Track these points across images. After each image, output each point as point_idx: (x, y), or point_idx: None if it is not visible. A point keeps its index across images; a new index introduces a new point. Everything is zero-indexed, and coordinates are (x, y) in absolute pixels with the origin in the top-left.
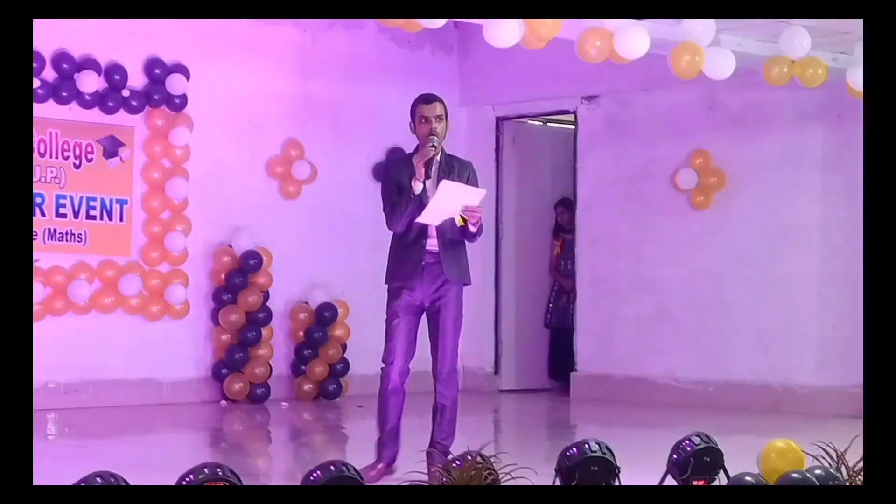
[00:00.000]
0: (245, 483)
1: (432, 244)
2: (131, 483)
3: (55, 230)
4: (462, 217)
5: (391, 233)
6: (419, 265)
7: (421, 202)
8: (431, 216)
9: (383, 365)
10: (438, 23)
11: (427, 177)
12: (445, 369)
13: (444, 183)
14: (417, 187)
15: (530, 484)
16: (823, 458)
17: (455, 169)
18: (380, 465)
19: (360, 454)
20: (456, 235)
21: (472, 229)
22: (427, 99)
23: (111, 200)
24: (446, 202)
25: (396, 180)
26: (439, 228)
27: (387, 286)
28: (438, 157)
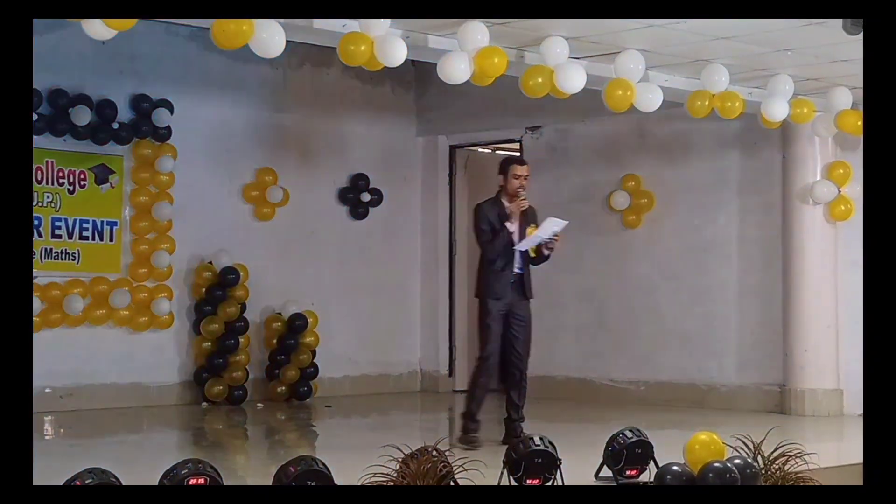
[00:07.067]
0: (224, 477)
1: (518, 268)
2: (120, 477)
3: (51, 249)
4: (534, 249)
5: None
6: (509, 283)
7: (511, 237)
8: (528, 244)
9: (480, 360)
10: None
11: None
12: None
13: (550, 219)
14: (512, 227)
15: (481, 474)
16: (742, 448)
17: (530, 212)
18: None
19: (329, 449)
20: (525, 262)
21: (546, 253)
22: (521, 161)
23: (102, 222)
24: (544, 232)
25: (489, 220)
26: (522, 256)
27: (479, 299)
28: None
